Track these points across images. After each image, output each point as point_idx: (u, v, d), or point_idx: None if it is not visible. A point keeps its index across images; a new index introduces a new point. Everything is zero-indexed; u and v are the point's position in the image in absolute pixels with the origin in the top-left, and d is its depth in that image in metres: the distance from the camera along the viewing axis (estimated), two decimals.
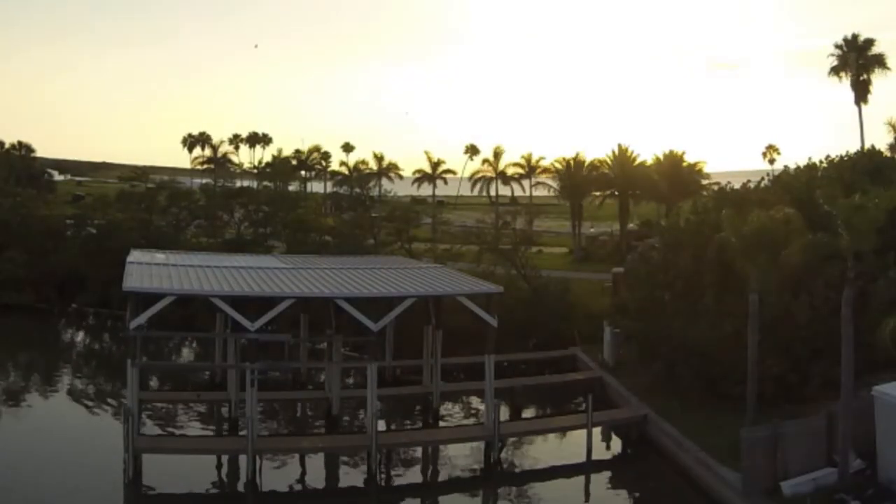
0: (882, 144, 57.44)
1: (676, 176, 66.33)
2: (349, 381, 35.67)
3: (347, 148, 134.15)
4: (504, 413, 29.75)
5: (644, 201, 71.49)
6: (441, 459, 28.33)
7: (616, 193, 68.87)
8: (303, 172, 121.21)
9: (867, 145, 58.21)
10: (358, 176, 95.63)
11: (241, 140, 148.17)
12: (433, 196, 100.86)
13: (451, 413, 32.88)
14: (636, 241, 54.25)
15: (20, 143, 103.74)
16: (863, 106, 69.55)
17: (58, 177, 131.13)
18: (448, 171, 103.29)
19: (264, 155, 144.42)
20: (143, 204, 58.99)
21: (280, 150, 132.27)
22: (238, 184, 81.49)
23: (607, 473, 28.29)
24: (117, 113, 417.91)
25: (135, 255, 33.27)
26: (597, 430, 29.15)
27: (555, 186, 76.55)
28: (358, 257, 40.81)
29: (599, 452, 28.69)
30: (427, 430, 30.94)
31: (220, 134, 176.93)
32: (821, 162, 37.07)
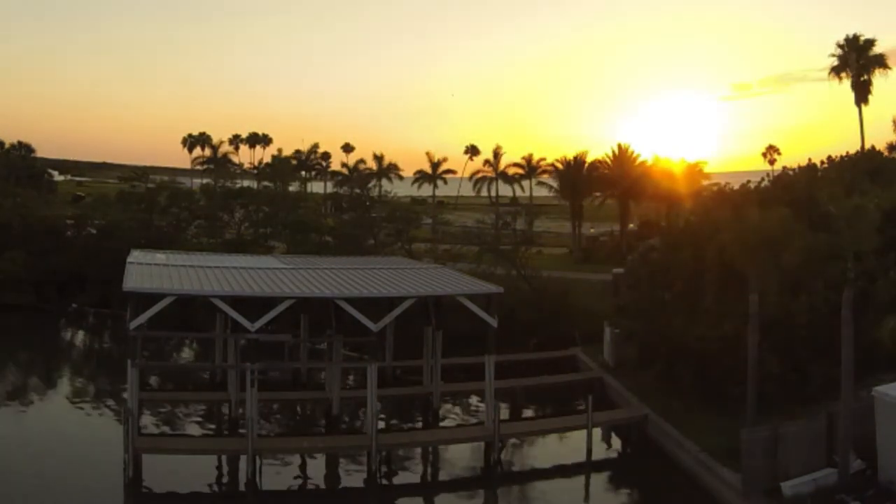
0: (882, 145, 57.53)
1: (676, 176, 66.44)
2: (349, 382, 35.67)
3: (347, 148, 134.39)
4: (504, 413, 29.77)
5: (644, 201, 71.52)
6: (441, 459, 28.35)
7: (616, 193, 68.93)
8: (303, 172, 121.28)
9: (867, 146, 58.35)
10: (358, 176, 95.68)
11: (241, 140, 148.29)
12: (433, 196, 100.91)
13: (451, 413, 32.89)
14: (636, 241, 54.23)
15: (20, 143, 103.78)
16: (863, 106, 69.60)
17: (58, 177, 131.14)
18: (448, 171, 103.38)
19: (264, 155, 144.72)
20: (143, 204, 59.04)
21: (280, 150, 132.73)
22: (238, 184, 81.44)
23: (607, 473, 28.30)
24: (117, 113, 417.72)
25: (135, 256, 33.31)
26: (597, 431, 29.16)
27: (555, 186, 76.60)
28: (358, 258, 40.83)
29: (599, 452, 28.70)
30: (427, 430, 30.94)
31: (220, 134, 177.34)
32: (822, 163, 37.18)
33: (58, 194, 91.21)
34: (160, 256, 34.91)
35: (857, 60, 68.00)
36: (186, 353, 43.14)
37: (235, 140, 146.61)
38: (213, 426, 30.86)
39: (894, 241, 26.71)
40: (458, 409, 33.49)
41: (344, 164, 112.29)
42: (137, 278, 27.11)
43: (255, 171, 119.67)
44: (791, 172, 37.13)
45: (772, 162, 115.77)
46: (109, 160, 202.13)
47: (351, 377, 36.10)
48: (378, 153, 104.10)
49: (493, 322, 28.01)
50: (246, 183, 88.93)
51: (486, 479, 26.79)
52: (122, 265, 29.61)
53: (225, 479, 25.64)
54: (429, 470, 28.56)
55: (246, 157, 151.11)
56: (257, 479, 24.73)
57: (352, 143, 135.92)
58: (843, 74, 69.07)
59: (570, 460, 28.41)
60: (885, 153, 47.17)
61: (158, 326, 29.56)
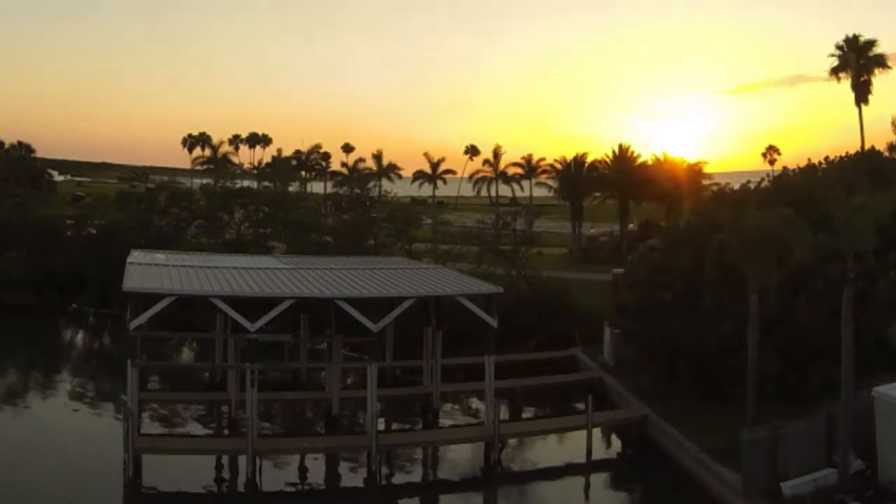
0: (882, 145, 57.53)
1: (677, 176, 66.51)
2: (349, 382, 35.66)
3: (347, 148, 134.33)
4: (504, 413, 29.76)
5: (644, 201, 71.58)
6: (441, 460, 28.33)
7: (616, 193, 68.95)
8: (303, 173, 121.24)
9: (867, 146, 58.34)
10: (358, 176, 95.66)
11: (241, 140, 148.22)
12: (433, 196, 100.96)
13: (451, 413, 32.88)
14: (636, 241, 54.25)
15: (20, 143, 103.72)
16: (863, 107, 69.63)
17: (58, 177, 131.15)
18: (448, 171, 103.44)
19: (264, 155, 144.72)
20: (143, 204, 59.02)
21: (280, 151, 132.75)
22: (238, 184, 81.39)
23: (607, 474, 28.31)
24: (117, 113, 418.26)
25: (135, 256, 33.30)
26: (597, 431, 29.14)
27: (555, 186, 76.59)
28: (358, 258, 40.81)
29: (599, 453, 28.68)
30: (427, 430, 30.93)
31: (220, 134, 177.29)
32: (821, 163, 37.17)
33: (58, 194, 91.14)
34: (160, 256, 34.89)
35: (857, 61, 68.04)
36: (186, 353, 43.14)
37: (235, 140, 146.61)
38: (213, 426, 30.87)
39: (894, 241, 26.71)
40: (458, 409, 33.49)
41: (344, 164, 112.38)
42: (137, 278, 27.09)
43: (255, 172, 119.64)
44: (791, 172, 37.12)
45: (772, 162, 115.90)
46: (109, 160, 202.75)
47: (351, 377, 36.08)
48: (377, 152, 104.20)
49: (493, 322, 27.99)
50: (246, 183, 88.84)
51: (486, 479, 26.77)
52: (122, 265, 29.59)
53: (225, 479, 25.62)
54: (429, 470, 28.55)
55: (246, 157, 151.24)
56: (257, 479, 24.72)
57: (352, 143, 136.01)
58: (843, 74, 69.13)
59: (570, 460, 28.41)
60: (885, 153, 47.15)
61: (158, 326, 29.55)
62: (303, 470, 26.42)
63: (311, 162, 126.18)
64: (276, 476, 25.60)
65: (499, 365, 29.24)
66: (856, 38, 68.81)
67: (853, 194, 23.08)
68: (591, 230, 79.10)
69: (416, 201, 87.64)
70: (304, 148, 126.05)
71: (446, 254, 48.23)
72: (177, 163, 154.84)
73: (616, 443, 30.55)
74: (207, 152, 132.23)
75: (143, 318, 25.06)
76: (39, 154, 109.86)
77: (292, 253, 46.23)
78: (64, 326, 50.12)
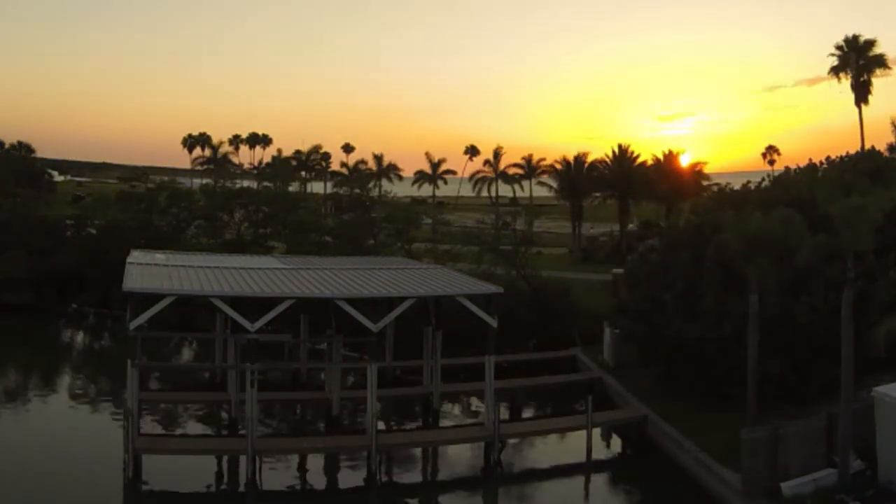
0: (882, 145, 57.42)
1: (677, 176, 66.48)
2: (349, 382, 35.66)
3: (347, 148, 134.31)
4: (504, 413, 29.76)
5: (644, 202, 71.57)
6: (441, 460, 28.33)
7: (616, 194, 68.93)
8: (303, 173, 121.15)
9: (867, 146, 58.27)
10: (358, 176, 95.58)
11: (241, 140, 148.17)
12: (433, 196, 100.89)
13: (451, 413, 32.88)
14: (636, 241, 54.23)
15: (20, 143, 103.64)
16: (863, 107, 69.60)
17: (58, 177, 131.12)
18: (448, 171, 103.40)
19: (264, 155, 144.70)
20: (143, 204, 59.00)
21: (280, 151, 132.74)
22: (238, 184, 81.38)
23: (607, 474, 28.29)
24: (117, 113, 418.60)
25: (135, 256, 33.28)
26: (597, 431, 29.12)
27: (555, 186, 76.57)
28: (358, 258, 40.80)
29: (599, 453, 28.68)
30: (427, 430, 30.92)
31: (220, 134, 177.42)
32: (821, 163, 37.11)
33: (58, 194, 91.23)
34: (160, 256, 34.87)
35: (856, 61, 68.01)
36: (186, 353, 43.13)
37: (235, 140, 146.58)
38: (213, 426, 30.85)
39: (894, 241, 26.71)
40: (458, 409, 33.49)
41: (344, 164, 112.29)
42: (137, 278, 27.08)
43: (255, 172, 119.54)
44: (792, 172, 37.10)
45: (771, 162, 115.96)
46: (109, 160, 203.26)
47: (351, 377, 36.08)
48: (378, 153, 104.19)
49: (493, 322, 27.98)
50: (246, 183, 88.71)
51: (486, 479, 26.76)
52: (122, 265, 29.57)
53: (225, 479, 25.63)
54: (429, 470, 28.55)
55: (246, 157, 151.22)
56: (257, 479, 24.72)
57: (353, 142, 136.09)
58: (842, 75, 69.10)
59: (570, 460, 28.41)
60: (885, 153, 47.04)
61: (158, 326, 29.54)
62: (303, 470, 26.41)
63: (311, 162, 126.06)
64: (276, 476, 25.59)
65: (499, 365, 29.23)
66: (856, 38, 68.78)
67: (853, 194, 23.04)
68: (591, 230, 79.09)
69: (416, 201, 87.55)
70: (304, 148, 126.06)
71: (446, 254, 48.22)
72: (177, 163, 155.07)
73: (616, 443, 30.56)
74: (207, 152, 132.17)
75: (143, 318, 25.04)
76: (39, 154, 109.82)
77: (292, 253, 46.23)
78: (64, 326, 50.12)
